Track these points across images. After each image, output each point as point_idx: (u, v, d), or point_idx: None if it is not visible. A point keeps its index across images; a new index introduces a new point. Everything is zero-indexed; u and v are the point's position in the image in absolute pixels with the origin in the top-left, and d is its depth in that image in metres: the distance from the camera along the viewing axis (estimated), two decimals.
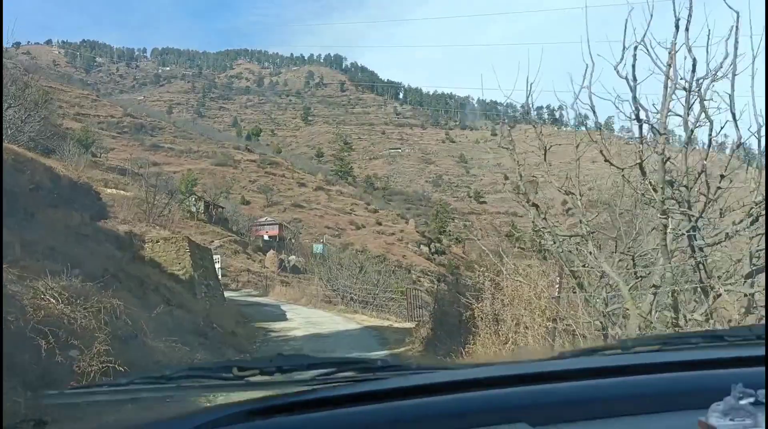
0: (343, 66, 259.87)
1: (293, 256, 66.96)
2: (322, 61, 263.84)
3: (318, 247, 74.03)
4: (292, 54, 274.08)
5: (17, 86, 39.35)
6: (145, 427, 1.38)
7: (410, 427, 1.26)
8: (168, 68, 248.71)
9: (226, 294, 33.11)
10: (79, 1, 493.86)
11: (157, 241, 16.31)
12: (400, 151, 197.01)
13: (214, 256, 48.29)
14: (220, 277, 49.72)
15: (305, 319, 21.08)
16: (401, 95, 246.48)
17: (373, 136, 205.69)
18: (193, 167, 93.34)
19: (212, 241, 61.68)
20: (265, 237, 73.85)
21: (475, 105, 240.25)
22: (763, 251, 5.21)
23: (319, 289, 28.39)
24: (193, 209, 64.73)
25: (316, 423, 1.27)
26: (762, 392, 1.19)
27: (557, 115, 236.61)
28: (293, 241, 74.29)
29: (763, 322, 5.03)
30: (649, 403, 1.33)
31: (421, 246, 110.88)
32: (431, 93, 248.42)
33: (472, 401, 1.35)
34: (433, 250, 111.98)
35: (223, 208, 71.44)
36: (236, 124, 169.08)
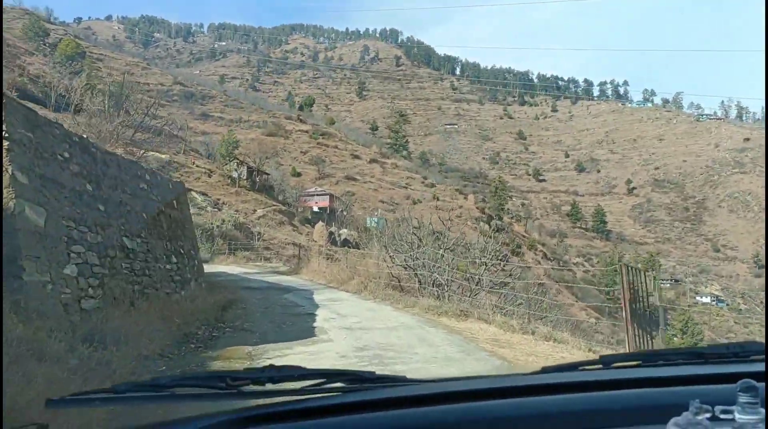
0: (399, 40, 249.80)
1: (345, 230, 58.38)
2: (377, 35, 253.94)
3: (372, 221, 65.78)
4: (347, 28, 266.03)
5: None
6: None
7: None
8: (224, 43, 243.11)
9: (235, 270, 24.86)
10: None
11: None
12: (456, 127, 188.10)
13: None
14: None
15: (365, 345, 8.88)
16: (458, 70, 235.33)
17: (429, 111, 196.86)
18: (242, 137, 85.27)
19: (254, 211, 53.48)
20: (315, 208, 65.47)
21: (535, 80, 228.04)
22: None
23: (382, 264, 17.63)
24: (235, 175, 56.42)
25: None
26: (719, 408, 1.24)
27: (622, 90, 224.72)
28: (345, 213, 65.51)
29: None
30: (620, 417, 1.37)
31: (481, 223, 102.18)
32: (489, 68, 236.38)
33: (458, 413, 1.39)
34: (493, 227, 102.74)
35: (268, 174, 62.98)
36: (290, 98, 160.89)
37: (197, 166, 57.56)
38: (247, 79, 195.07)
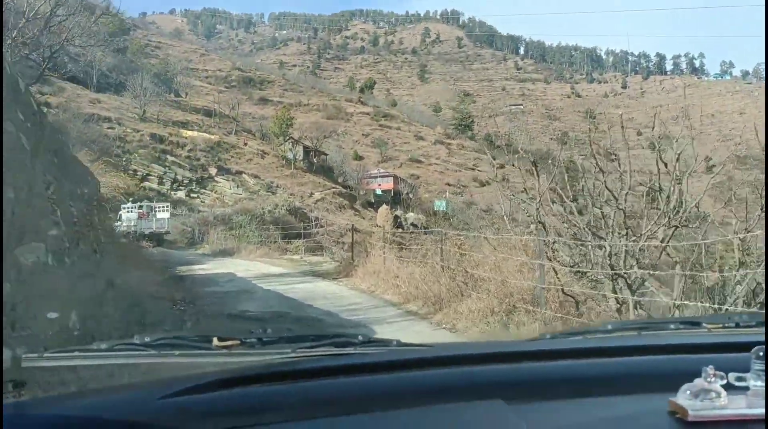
0: (461, 21, 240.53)
1: (411, 213, 52.04)
2: (438, 17, 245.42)
3: (440, 204, 59.43)
4: (407, 12, 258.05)
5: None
6: (123, 391, 1.35)
7: (387, 400, 1.22)
8: (284, 32, 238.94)
9: (254, 269, 17.71)
10: None
11: None
12: (521, 107, 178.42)
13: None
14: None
15: None
16: (522, 50, 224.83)
17: (493, 92, 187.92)
18: (302, 121, 79.88)
19: (311, 194, 47.63)
20: (378, 191, 59.32)
21: (603, 57, 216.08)
22: None
23: (528, 265, 9.09)
24: (290, 155, 50.67)
25: (293, 393, 1.24)
26: (733, 375, 1.19)
27: (697, 63, 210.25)
28: (411, 195, 59.14)
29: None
30: (624, 384, 1.32)
31: (554, 205, 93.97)
32: (555, 46, 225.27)
33: (449, 377, 1.33)
34: (568, 210, 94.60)
35: (326, 154, 57.03)
36: (350, 81, 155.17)
37: (249, 146, 52.12)
38: (308, 66, 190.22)
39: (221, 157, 48.44)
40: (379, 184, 60.91)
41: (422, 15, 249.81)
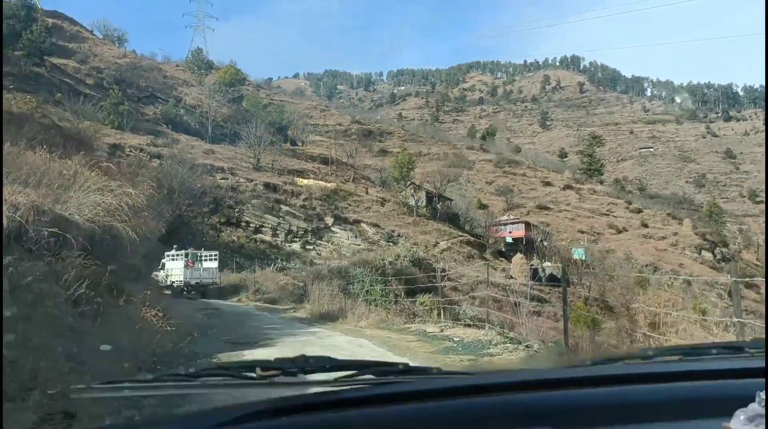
0: (581, 67, 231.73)
1: (548, 263, 45.51)
2: (558, 64, 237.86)
3: (579, 252, 52.38)
4: (525, 61, 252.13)
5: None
6: (172, 421, 1.38)
7: (431, 428, 1.24)
8: (403, 88, 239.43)
9: (361, 352, 10.18)
10: (326, 37, 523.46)
11: None
12: (652, 150, 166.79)
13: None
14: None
15: None
16: (649, 91, 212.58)
17: (620, 136, 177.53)
18: (422, 171, 75.49)
19: (436, 243, 42.34)
20: (508, 239, 53.18)
21: (740, 93, 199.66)
22: None
23: None
24: (411, 202, 45.84)
25: (339, 422, 1.25)
26: None
27: None
28: (545, 243, 52.59)
29: None
30: (673, 410, 1.31)
31: (703, 252, 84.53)
32: (685, 85, 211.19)
33: (495, 405, 1.32)
34: (718, 256, 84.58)
35: (451, 200, 51.83)
36: (471, 130, 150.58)
37: (368, 194, 47.87)
38: (426, 119, 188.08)
39: (338, 205, 44.49)
40: (510, 232, 54.96)
41: (541, 63, 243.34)
